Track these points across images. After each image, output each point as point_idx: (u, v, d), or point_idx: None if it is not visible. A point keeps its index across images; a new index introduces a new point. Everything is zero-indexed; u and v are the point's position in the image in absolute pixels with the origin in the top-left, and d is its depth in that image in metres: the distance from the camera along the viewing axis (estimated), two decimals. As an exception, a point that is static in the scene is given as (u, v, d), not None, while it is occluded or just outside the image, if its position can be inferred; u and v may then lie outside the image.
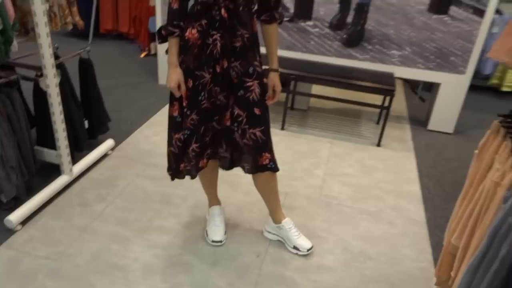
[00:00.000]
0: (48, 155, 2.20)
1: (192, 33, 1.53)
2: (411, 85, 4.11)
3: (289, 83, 2.99)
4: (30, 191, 2.08)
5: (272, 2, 1.55)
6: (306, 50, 3.17)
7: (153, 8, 4.13)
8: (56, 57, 2.12)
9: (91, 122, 2.46)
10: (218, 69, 1.57)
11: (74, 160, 2.28)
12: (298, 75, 2.93)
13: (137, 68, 4.09)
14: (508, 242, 1.12)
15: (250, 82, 1.60)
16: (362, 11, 2.96)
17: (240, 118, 1.64)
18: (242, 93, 1.60)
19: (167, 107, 3.25)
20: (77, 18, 2.16)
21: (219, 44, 1.52)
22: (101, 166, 2.46)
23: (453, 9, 2.82)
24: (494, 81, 3.99)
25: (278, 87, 1.68)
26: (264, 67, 1.65)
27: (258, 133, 1.66)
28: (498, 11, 3.51)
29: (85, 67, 2.38)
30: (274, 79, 1.67)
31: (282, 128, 3.07)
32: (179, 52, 1.57)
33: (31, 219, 1.99)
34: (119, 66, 4.05)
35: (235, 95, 1.62)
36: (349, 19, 3.01)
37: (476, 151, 1.47)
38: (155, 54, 4.29)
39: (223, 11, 1.48)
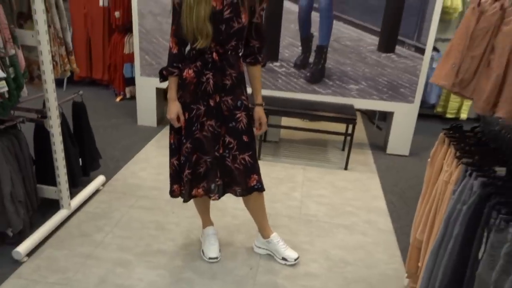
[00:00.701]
0: (48, 191, 2.34)
1: (188, 73, 1.82)
2: (369, 116, 4.56)
3: (263, 117, 3.31)
4: (32, 226, 2.20)
5: (256, 47, 1.87)
6: (275, 88, 3.53)
7: (128, 55, 4.43)
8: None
9: (84, 160, 2.64)
10: (211, 103, 1.84)
11: (71, 195, 2.43)
12: (269, 109, 3.25)
13: (115, 111, 4.29)
14: (458, 224, 1.43)
15: (239, 113, 1.88)
16: (322, 52, 3.39)
17: (231, 145, 1.91)
18: (233, 124, 1.88)
19: (148, 146, 3.51)
20: (74, 65, 2.39)
21: (211, 82, 1.81)
22: (95, 201, 2.61)
23: (399, 48, 3.30)
24: (439, 109, 4.52)
25: (264, 119, 1.98)
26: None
27: (247, 158, 1.93)
28: (435, 49, 4.07)
29: (79, 109, 2.59)
30: (259, 112, 1.97)
31: (259, 158, 3.35)
32: (177, 88, 1.85)
33: (36, 251, 2.11)
34: (97, 110, 4.24)
35: (227, 126, 1.89)
36: (311, 59, 3.42)
37: (429, 160, 1.81)
38: (132, 98, 4.52)
39: (214, 54, 1.78)
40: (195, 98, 1.83)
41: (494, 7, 1.27)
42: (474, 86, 1.36)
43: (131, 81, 4.45)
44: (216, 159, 1.91)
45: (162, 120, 3.97)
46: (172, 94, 1.84)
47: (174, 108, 1.84)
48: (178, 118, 1.85)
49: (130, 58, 4.30)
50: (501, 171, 1.40)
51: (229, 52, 1.80)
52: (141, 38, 3.57)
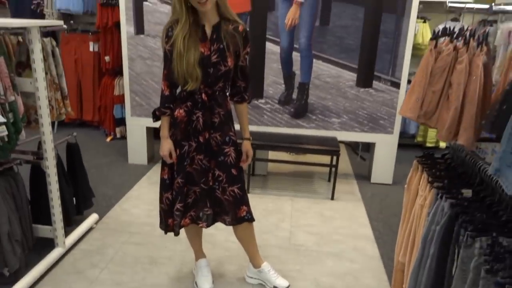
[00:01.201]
0: (43, 230, 2.40)
1: (180, 112, 1.95)
2: (352, 147, 4.74)
3: (250, 151, 3.44)
4: (27, 265, 2.24)
5: (242, 87, 2.03)
6: (261, 123, 3.69)
7: (118, 96, 4.58)
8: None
9: (78, 199, 2.71)
10: (201, 140, 1.97)
11: (65, 234, 2.49)
12: (256, 144, 3.39)
13: (105, 150, 4.38)
14: (433, 243, 1.55)
15: (227, 148, 2.01)
16: (304, 88, 3.59)
17: (221, 178, 2.02)
18: (222, 158, 2.00)
19: (140, 183, 3.59)
20: (69, 109, 2.52)
21: (201, 120, 1.95)
22: (89, 238, 2.67)
23: (376, 83, 3.51)
24: (419, 139, 4.72)
25: (250, 152, 2.10)
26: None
27: (236, 190, 2.04)
28: (410, 82, 4.32)
29: (73, 150, 2.69)
30: (247, 146, 2.10)
31: (248, 192, 3.44)
32: (169, 127, 1.98)
33: (32, 290, 2.15)
34: (88, 150, 4.32)
35: (216, 160, 2.01)
36: (294, 95, 3.61)
37: (406, 186, 1.95)
38: (122, 138, 4.63)
39: (203, 95, 1.93)
40: (186, 135, 1.96)
41: (448, 48, 1.46)
42: (437, 117, 1.52)
43: (121, 122, 4.58)
44: (205, 190, 2.02)
45: (152, 158, 4.07)
46: (164, 132, 1.97)
47: (166, 145, 1.96)
48: (170, 155, 1.97)
49: (120, 99, 4.46)
50: (467, 193, 1.54)
51: (217, 93, 1.95)
52: (131, 80, 3.73)
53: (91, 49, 4.68)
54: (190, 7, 1.82)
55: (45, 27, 2.29)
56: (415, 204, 1.85)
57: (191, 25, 1.84)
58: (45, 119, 2.20)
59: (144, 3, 3.63)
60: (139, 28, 3.66)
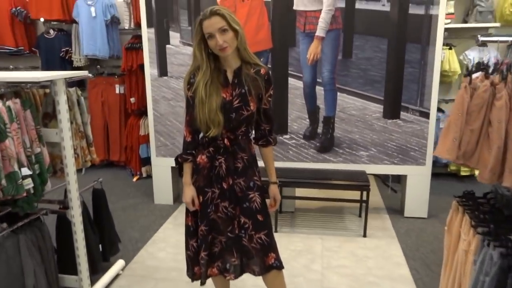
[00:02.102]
0: (69, 280, 2.37)
1: (202, 158, 1.91)
2: (382, 179, 4.57)
3: (277, 189, 3.36)
4: (53, 319, 2.20)
5: (266, 130, 1.98)
6: (287, 159, 3.62)
7: (143, 136, 4.62)
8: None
9: (104, 245, 2.68)
10: (225, 186, 1.91)
11: (92, 282, 2.44)
12: (283, 181, 3.31)
13: (132, 191, 4.39)
14: (483, 296, 1.40)
15: (252, 194, 1.94)
16: (329, 122, 3.51)
17: (247, 225, 1.94)
18: (247, 204, 1.93)
19: (166, 224, 3.55)
20: (95, 156, 2.53)
21: (224, 166, 1.90)
22: (115, 285, 2.61)
23: (403, 114, 3.40)
24: (452, 167, 4.52)
25: (278, 196, 2.03)
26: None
27: (263, 237, 1.95)
28: (440, 110, 4.18)
29: (99, 196, 2.68)
30: (274, 190, 2.03)
31: (275, 231, 3.34)
32: (192, 173, 1.93)
33: None
34: (115, 191, 4.35)
35: (241, 206, 1.94)
36: (319, 130, 3.53)
37: (446, 228, 1.81)
38: (148, 177, 4.64)
39: (226, 140, 1.88)
40: (209, 181, 1.91)
41: (484, 84, 1.36)
42: (477, 157, 1.41)
43: (147, 161, 4.60)
44: (231, 239, 1.93)
45: (178, 198, 4.04)
46: (187, 179, 1.93)
47: (189, 192, 1.91)
48: (193, 202, 1.91)
49: (146, 139, 4.49)
50: (517, 239, 1.40)
51: (240, 137, 1.90)
52: (156, 121, 3.76)
53: (117, 91, 4.79)
54: (211, 53, 1.81)
55: (70, 78, 2.33)
56: (458, 249, 1.71)
57: (212, 71, 1.82)
58: (71, 169, 2.20)
59: (167, 46, 3.70)
60: (163, 70, 3.72)
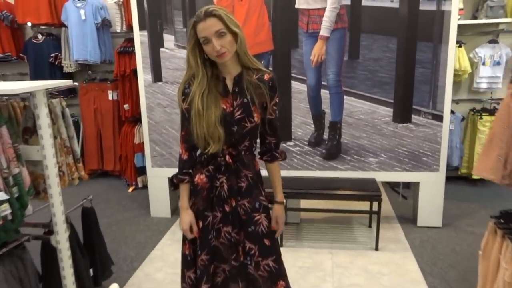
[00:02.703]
0: (56, 312, 2.14)
1: (200, 178, 1.69)
2: (391, 185, 4.35)
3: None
4: None
5: (272, 144, 1.75)
6: (291, 167, 3.39)
7: (138, 145, 4.40)
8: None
9: (95, 269, 2.45)
10: (227, 209, 1.68)
11: (82, 313, 2.22)
12: (287, 192, 3.08)
13: (127, 203, 4.16)
14: None
15: (258, 216, 1.71)
16: (336, 128, 3.29)
17: (252, 251, 1.71)
18: (253, 228, 1.70)
19: (163, 240, 3.32)
20: (82, 172, 2.30)
21: (225, 186, 1.67)
22: (108, 315, 2.39)
23: (415, 117, 3.18)
24: (463, 171, 4.31)
25: (281, 218, 1.79)
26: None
27: (271, 263, 1.72)
28: (453, 113, 3.97)
29: (89, 215, 2.45)
30: (278, 211, 1.79)
31: (281, 245, 3.12)
32: (189, 195, 1.71)
33: None
34: (109, 203, 4.12)
35: (246, 231, 1.71)
36: (325, 136, 3.31)
37: (480, 252, 1.59)
38: (144, 187, 4.41)
39: (227, 157, 1.65)
40: (209, 204, 1.68)
41: (534, 91, 1.14)
42: (527, 178, 1.19)
43: (142, 171, 4.37)
44: (235, 268, 1.71)
45: (176, 210, 3.81)
46: (183, 203, 1.70)
47: (186, 218, 1.69)
48: (191, 229, 1.69)
49: (141, 147, 4.26)
50: None
51: (243, 153, 1.68)
52: (151, 130, 3.54)
53: (110, 97, 4.57)
54: (207, 59, 1.59)
55: (53, 88, 2.11)
56: (497, 278, 1.48)
57: (209, 79, 1.60)
58: (55, 190, 1.98)
59: (161, 49, 3.47)
60: (157, 75, 3.49)
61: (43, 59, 4.53)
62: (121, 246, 3.23)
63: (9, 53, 4.59)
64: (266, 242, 1.72)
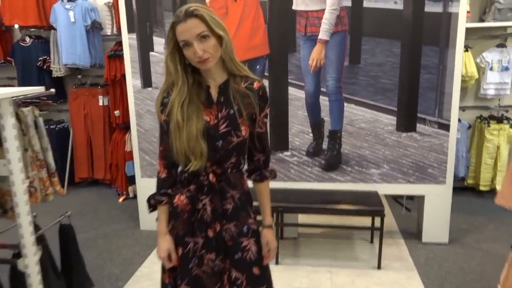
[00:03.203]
0: None
1: (180, 199, 1.49)
2: (394, 196, 4.15)
3: (276, 215, 2.94)
4: None
5: (261, 161, 1.56)
6: (288, 179, 3.20)
7: (130, 152, 4.20)
8: (36, 227, 2.01)
9: (73, 293, 2.25)
10: (210, 234, 1.48)
11: None
12: (284, 206, 2.89)
13: (117, 213, 3.97)
14: None
15: (246, 241, 1.52)
16: (335, 137, 3.09)
17: (239, 281, 1.51)
18: (239, 255, 1.51)
19: (151, 256, 3.11)
20: (58, 187, 2.11)
21: (209, 209, 1.47)
22: None
23: (420, 126, 2.99)
24: (469, 181, 4.10)
25: (272, 244, 1.58)
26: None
27: (261, 294, 1.53)
28: (460, 121, 3.77)
29: (66, 233, 2.26)
30: (267, 236, 1.57)
31: (277, 263, 2.92)
32: (168, 219, 1.52)
33: None
34: (98, 214, 3.93)
35: (232, 258, 1.51)
36: (324, 145, 3.12)
37: (499, 286, 1.39)
38: (134, 197, 4.22)
39: (211, 176, 1.46)
40: (190, 229, 1.49)
41: None
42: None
43: (133, 180, 4.17)
44: None
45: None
46: (161, 227, 1.51)
47: (164, 245, 1.49)
48: (170, 256, 1.49)
49: (132, 155, 4.07)
50: None
51: (229, 171, 1.48)
52: (140, 138, 3.35)
53: (100, 103, 4.38)
54: (188, 65, 1.40)
55: (25, 95, 1.92)
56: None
57: (190, 87, 1.41)
58: (22, 208, 1.79)
59: (151, 53, 3.29)
60: (146, 80, 3.31)
61: (31, 62, 4.34)
62: (106, 262, 3.03)
63: (-4, 57, 4.41)
64: (255, 270, 1.53)
